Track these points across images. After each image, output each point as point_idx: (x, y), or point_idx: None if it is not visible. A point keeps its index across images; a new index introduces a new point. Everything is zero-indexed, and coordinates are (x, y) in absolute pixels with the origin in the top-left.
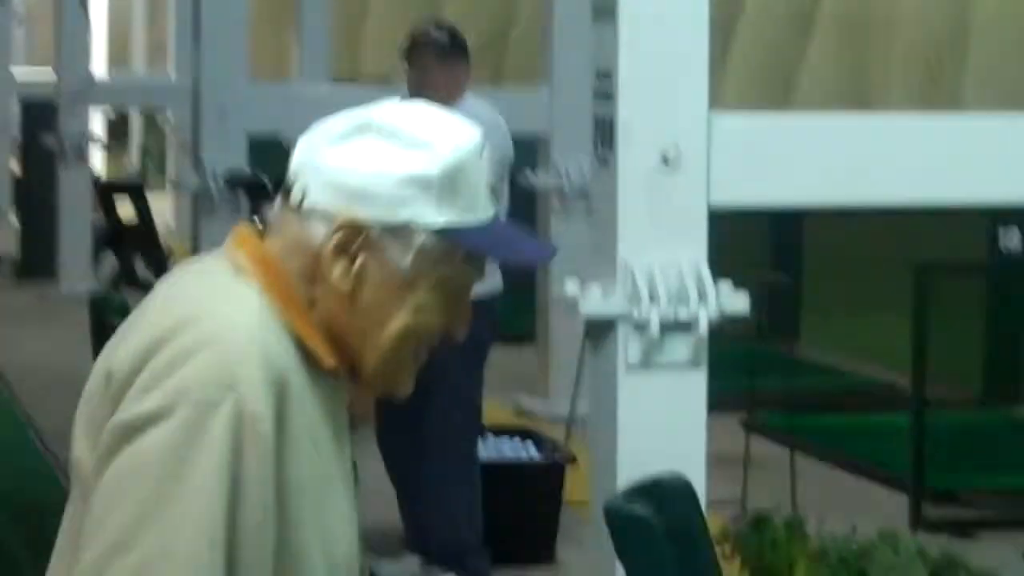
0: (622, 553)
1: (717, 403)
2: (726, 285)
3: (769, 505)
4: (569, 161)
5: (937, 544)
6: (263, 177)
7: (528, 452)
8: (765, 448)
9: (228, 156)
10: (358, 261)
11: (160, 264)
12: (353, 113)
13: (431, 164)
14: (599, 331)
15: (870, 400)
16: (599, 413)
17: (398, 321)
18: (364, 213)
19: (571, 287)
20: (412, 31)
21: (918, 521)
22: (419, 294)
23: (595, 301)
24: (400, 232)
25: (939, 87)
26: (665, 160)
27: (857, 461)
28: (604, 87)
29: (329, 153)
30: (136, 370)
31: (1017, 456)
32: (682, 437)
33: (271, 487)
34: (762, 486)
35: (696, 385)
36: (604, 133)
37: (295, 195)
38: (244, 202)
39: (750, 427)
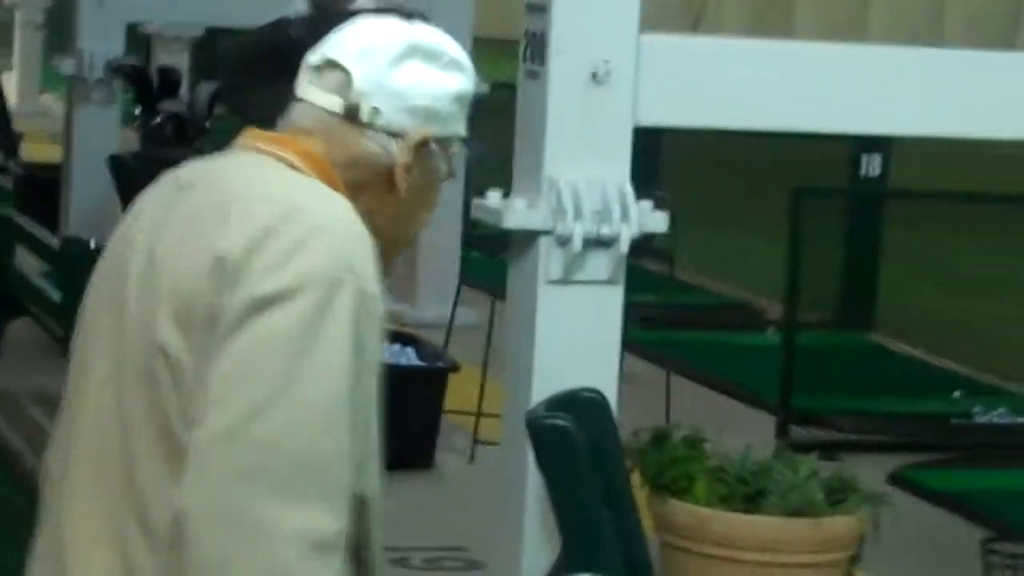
0: (542, 463)
1: None
2: (647, 204)
3: (642, 421)
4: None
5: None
6: (171, 68)
7: (408, 358)
8: (639, 365)
9: (106, 44)
10: (415, 171)
11: (11, 147)
12: (390, 32)
13: (467, 83)
14: (520, 244)
15: (739, 319)
16: (518, 325)
17: (422, 218)
18: (430, 130)
19: (493, 199)
20: None
21: (785, 442)
22: (434, 194)
23: (519, 214)
24: (445, 143)
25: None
26: (595, 77)
27: (727, 380)
28: (536, 1)
29: (395, 77)
30: (249, 256)
31: (875, 379)
32: (597, 353)
33: (378, 363)
34: (636, 402)
35: (613, 302)
36: (535, 47)
37: (364, 114)
38: (119, 91)
39: (624, 344)
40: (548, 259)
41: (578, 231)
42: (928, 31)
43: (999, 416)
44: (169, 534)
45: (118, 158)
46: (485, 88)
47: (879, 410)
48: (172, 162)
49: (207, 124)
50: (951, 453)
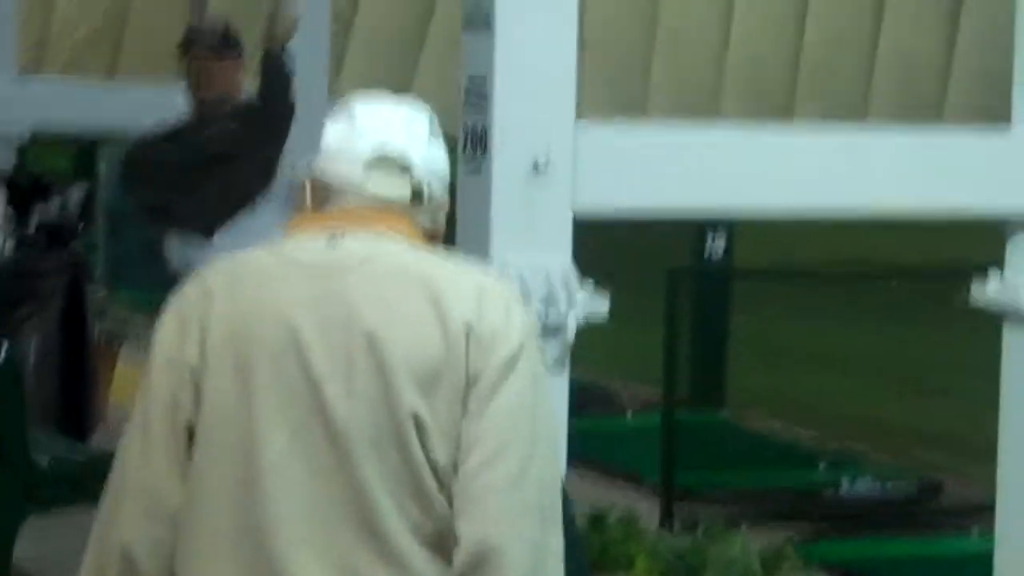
0: None
1: None
2: (588, 288)
3: None
4: None
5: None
6: (41, 174)
7: None
8: None
9: None
10: None
11: None
12: (412, 114)
13: None
14: None
15: (597, 403)
16: None
17: None
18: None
19: None
20: (187, 27)
21: (670, 520)
22: None
23: None
24: None
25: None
26: (536, 167)
27: (603, 463)
28: (474, 95)
29: (433, 156)
30: (482, 322)
31: (737, 455)
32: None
33: None
34: None
35: (560, 389)
36: (475, 139)
37: (425, 197)
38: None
39: None
40: None
41: None
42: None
43: (866, 485)
44: (470, 560)
45: None
46: None
47: (749, 485)
48: (44, 271)
49: (80, 227)
50: (824, 524)
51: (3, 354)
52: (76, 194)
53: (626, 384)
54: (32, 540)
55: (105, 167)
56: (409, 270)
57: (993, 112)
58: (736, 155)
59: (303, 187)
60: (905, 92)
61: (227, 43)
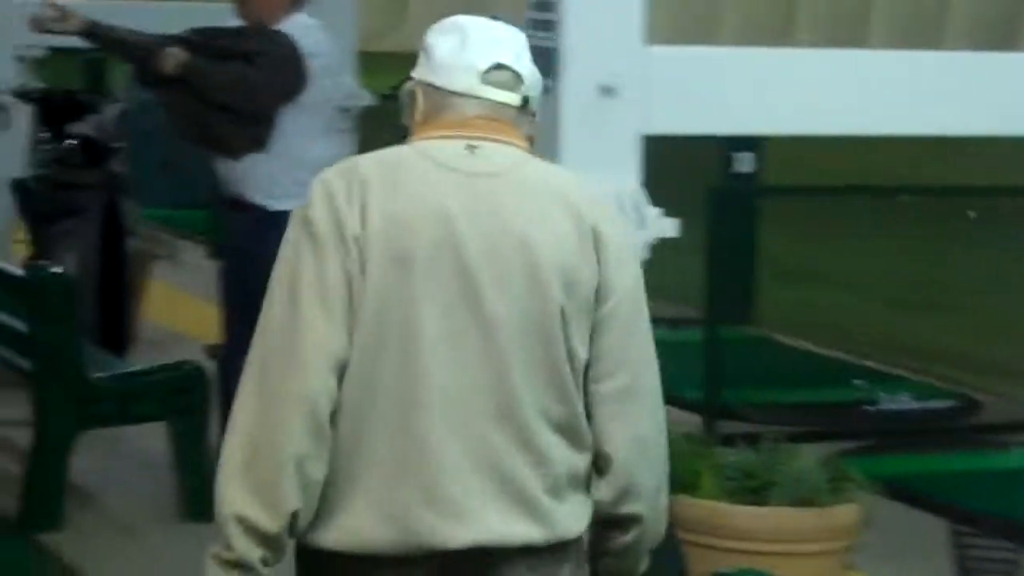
0: None
1: None
2: (657, 210)
3: None
4: None
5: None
6: (77, 91)
7: None
8: None
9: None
10: None
11: None
12: (513, 32)
13: None
14: None
15: None
16: None
17: None
18: None
19: None
20: None
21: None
22: None
23: None
24: None
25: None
26: (605, 89)
27: None
28: (542, 17)
29: (531, 69)
30: (612, 235)
31: (772, 372)
32: None
33: None
34: None
35: None
36: (543, 62)
37: (533, 104)
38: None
39: None
40: None
41: None
42: (927, 35)
43: (904, 401)
44: (626, 451)
45: (22, 182)
46: (373, 99)
47: (788, 401)
48: (84, 186)
49: (117, 144)
50: (869, 441)
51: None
52: (112, 112)
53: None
54: (85, 455)
55: (124, 83)
56: (548, 180)
57: None
58: (802, 77)
59: (414, 95)
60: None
61: None
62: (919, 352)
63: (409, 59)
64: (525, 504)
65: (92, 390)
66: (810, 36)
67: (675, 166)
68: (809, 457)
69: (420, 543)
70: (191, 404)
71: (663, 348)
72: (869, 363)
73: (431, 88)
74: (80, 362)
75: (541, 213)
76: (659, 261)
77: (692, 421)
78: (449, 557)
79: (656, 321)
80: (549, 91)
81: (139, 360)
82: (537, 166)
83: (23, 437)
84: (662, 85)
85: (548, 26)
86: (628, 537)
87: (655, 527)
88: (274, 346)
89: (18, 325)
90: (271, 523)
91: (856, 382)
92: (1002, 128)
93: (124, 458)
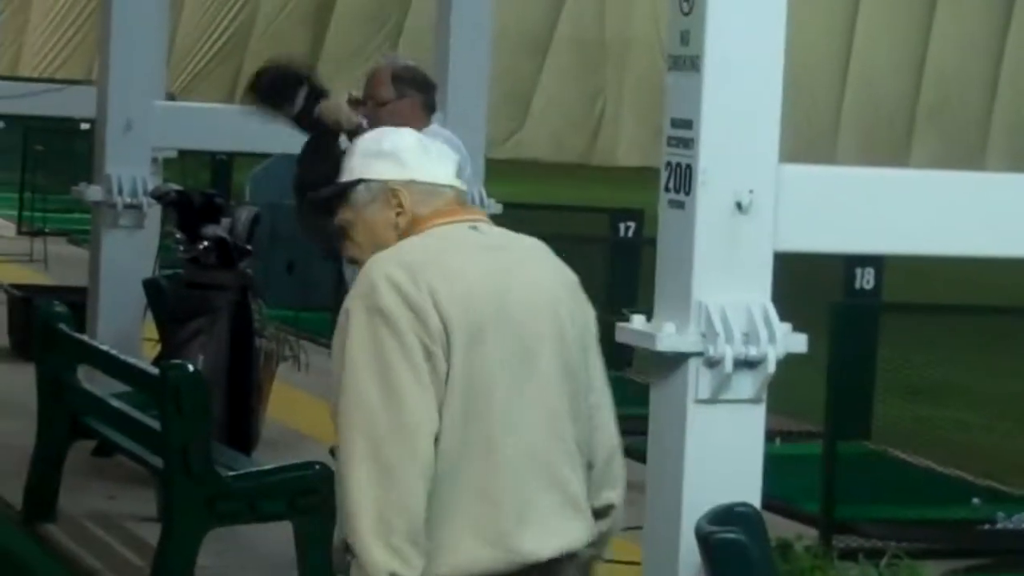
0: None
1: None
2: (787, 326)
3: None
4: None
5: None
6: (214, 193)
7: None
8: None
9: (133, 169)
10: None
11: None
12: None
13: None
14: (664, 365)
15: None
16: (663, 443)
17: None
18: None
19: (639, 322)
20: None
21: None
22: None
23: (670, 337)
24: None
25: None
26: (739, 206)
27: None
28: (678, 134)
29: None
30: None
31: (888, 487)
32: (744, 468)
33: None
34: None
35: (758, 420)
36: (678, 178)
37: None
38: (171, 216)
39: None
40: (697, 379)
41: (728, 353)
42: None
43: (1021, 520)
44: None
45: (154, 281)
46: (499, 208)
47: (906, 517)
48: (217, 286)
49: (249, 247)
50: (987, 559)
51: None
52: (244, 215)
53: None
54: (213, 552)
55: (250, 185)
56: (534, 245)
57: None
58: (927, 197)
59: (396, 193)
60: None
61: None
62: None
63: (527, 165)
64: (580, 510)
65: (222, 488)
66: (928, 158)
67: (798, 281)
68: (929, 573)
69: (524, 558)
70: (318, 504)
71: (782, 461)
72: (988, 482)
73: (414, 184)
74: (210, 460)
75: (551, 273)
76: (779, 375)
77: (808, 534)
78: (541, 566)
79: (775, 434)
80: (684, 207)
81: (263, 459)
82: (519, 235)
83: (152, 533)
84: (794, 203)
85: (686, 143)
86: (605, 526)
87: (622, 516)
88: (379, 423)
89: (150, 422)
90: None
91: (975, 500)
92: None
93: (250, 556)
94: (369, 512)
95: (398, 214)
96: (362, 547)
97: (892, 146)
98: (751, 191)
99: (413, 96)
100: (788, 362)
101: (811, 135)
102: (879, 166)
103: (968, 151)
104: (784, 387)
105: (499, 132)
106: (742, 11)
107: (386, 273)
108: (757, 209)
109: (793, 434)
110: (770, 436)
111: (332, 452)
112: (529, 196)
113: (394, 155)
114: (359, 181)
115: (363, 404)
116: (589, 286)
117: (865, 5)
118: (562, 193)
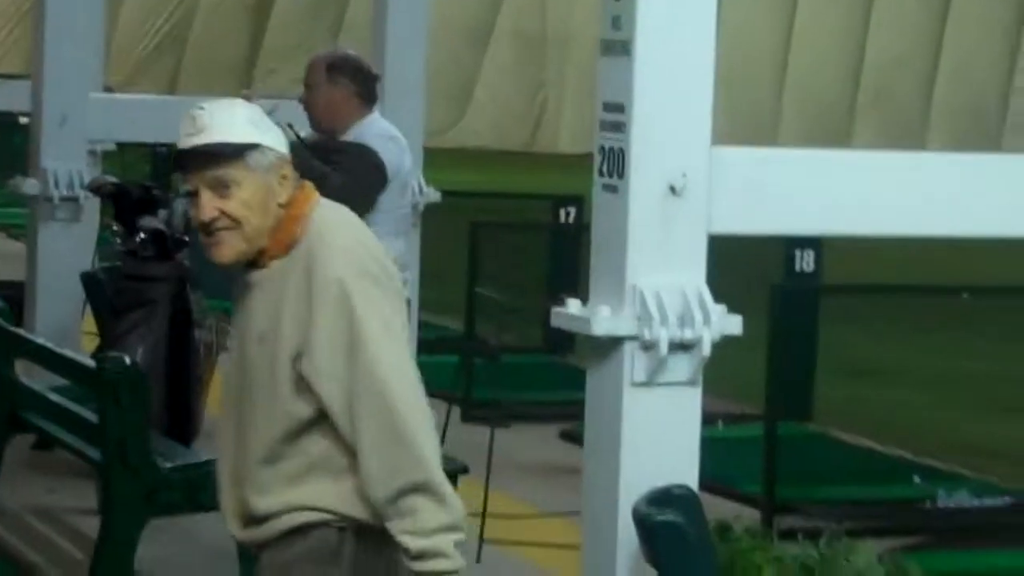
0: (659, 558)
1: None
2: (721, 308)
3: None
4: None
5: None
6: (151, 185)
7: None
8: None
9: (69, 163)
10: None
11: None
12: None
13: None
14: (600, 349)
15: None
16: (600, 427)
17: None
18: None
19: (575, 307)
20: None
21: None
22: None
23: (605, 321)
24: None
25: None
26: (673, 189)
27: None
28: (611, 118)
29: None
30: None
31: (830, 468)
32: (681, 451)
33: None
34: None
35: (693, 402)
36: (612, 162)
37: None
38: (108, 209)
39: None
40: (633, 363)
41: (664, 336)
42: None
43: (963, 499)
44: None
45: (92, 275)
46: (437, 196)
47: (847, 497)
48: (154, 278)
49: (187, 238)
50: (927, 537)
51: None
52: (181, 206)
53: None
54: (151, 543)
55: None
56: None
57: None
58: (862, 179)
59: (285, 165)
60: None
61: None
62: (980, 450)
63: (468, 154)
64: None
65: (160, 479)
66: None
67: (737, 263)
68: (869, 553)
69: None
70: None
71: (724, 443)
72: (928, 461)
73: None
74: (149, 451)
75: None
76: (721, 357)
77: (751, 515)
78: None
79: (717, 416)
80: (618, 190)
81: (203, 451)
82: None
83: (91, 526)
84: (728, 185)
85: (618, 127)
86: None
87: None
88: (411, 376)
89: (88, 415)
90: None
91: (915, 479)
92: None
93: (190, 546)
94: (436, 456)
95: (281, 185)
96: (444, 485)
97: (833, 134)
98: (684, 174)
99: (347, 85)
100: (731, 345)
101: (752, 125)
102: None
103: (909, 137)
104: (727, 369)
105: (441, 122)
106: None
107: (358, 237)
108: (690, 192)
109: (736, 416)
110: (712, 419)
111: None
112: (472, 184)
113: (276, 130)
114: (255, 145)
115: (396, 363)
116: (531, 272)
117: None
118: (505, 180)
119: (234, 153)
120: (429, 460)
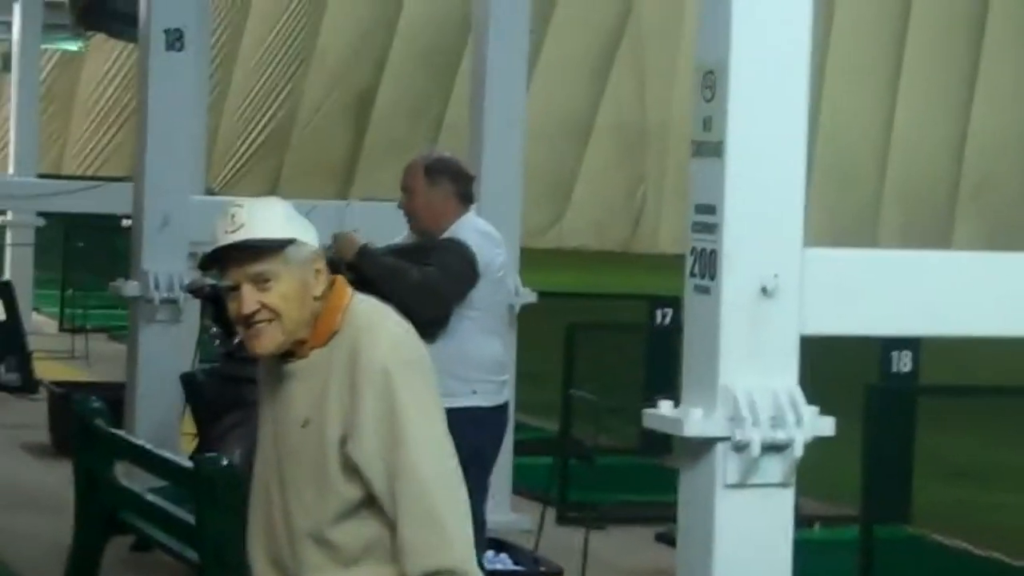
0: None
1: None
2: (814, 409)
3: None
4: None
5: None
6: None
7: (505, 564)
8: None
9: (170, 265)
10: None
11: (26, 367)
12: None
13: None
14: (693, 451)
15: None
16: (693, 528)
17: None
18: None
19: (667, 408)
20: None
21: None
22: None
23: (697, 423)
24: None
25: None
26: (764, 290)
27: None
28: (702, 219)
29: None
30: None
31: (929, 572)
32: (774, 553)
33: None
34: None
35: (786, 504)
36: (703, 263)
37: None
38: (207, 310)
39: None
40: (726, 464)
41: (756, 437)
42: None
43: None
44: None
45: (191, 376)
46: (533, 297)
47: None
48: (253, 380)
49: None
50: None
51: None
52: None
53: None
54: None
55: None
56: None
57: None
58: (956, 280)
59: (319, 258)
60: None
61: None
62: None
63: (567, 254)
64: None
65: None
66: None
67: (835, 363)
68: None
69: None
70: None
71: (820, 546)
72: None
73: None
74: (246, 552)
75: None
76: (816, 459)
77: None
78: None
79: (814, 519)
80: (710, 292)
81: None
82: None
83: None
84: (820, 286)
85: (710, 229)
86: None
87: None
88: (451, 460)
89: (185, 516)
90: None
91: None
92: None
93: None
94: (468, 541)
95: (316, 279)
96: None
97: (935, 225)
98: (776, 275)
99: (446, 186)
100: (826, 446)
101: (852, 220)
102: (921, 246)
103: (1012, 229)
104: (824, 472)
105: (540, 221)
106: (763, 96)
107: (401, 326)
108: (782, 293)
109: (832, 519)
110: (809, 521)
111: None
112: (570, 284)
113: (310, 226)
114: (292, 240)
115: (435, 448)
116: (628, 373)
117: (906, 84)
118: (603, 281)
119: (274, 248)
120: (460, 545)
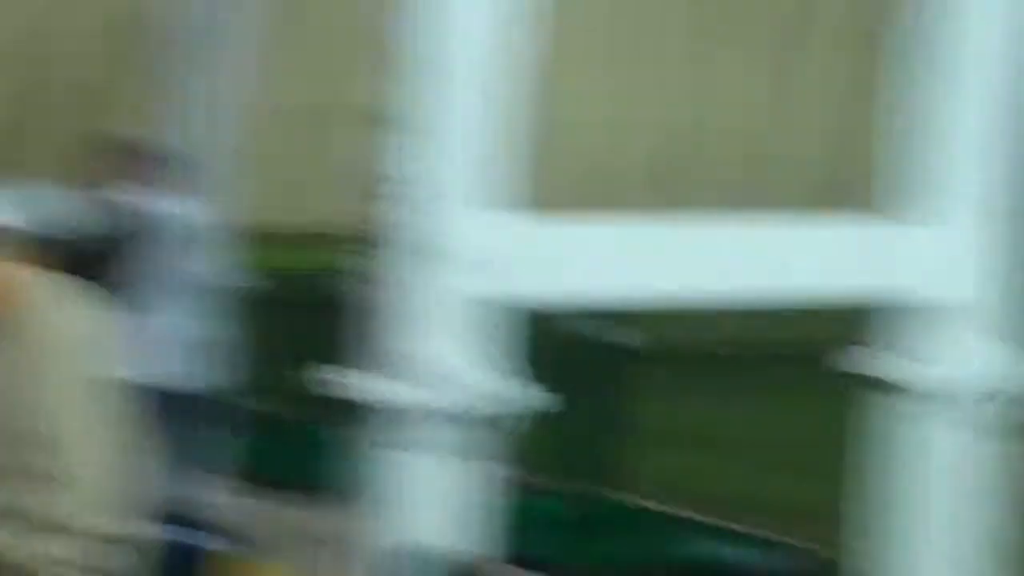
0: None
1: None
2: (518, 380)
3: None
4: None
5: None
6: None
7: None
8: None
9: None
10: None
11: None
12: None
13: None
14: (358, 415)
15: None
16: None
17: None
18: None
19: (331, 373)
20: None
21: None
22: None
23: (383, 390)
24: None
25: None
26: (438, 259)
27: None
28: (381, 191)
29: None
30: None
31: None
32: (476, 522)
33: None
34: None
35: (486, 471)
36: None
37: None
38: None
39: None
40: (417, 432)
41: (425, 401)
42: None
43: (752, 557)
44: None
45: None
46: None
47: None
48: None
49: None
50: None
51: None
52: None
53: None
54: None
55: None
56: None
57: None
58: (637, 246)
59: None
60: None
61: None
62: (765, 508)
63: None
64: None
65: None
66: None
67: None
68: None
69: None
70: None
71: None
72: (714, 521)
73: None
74: None
75: None
76: (532, 429)
77: None
78: None
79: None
80: (402, 264)
81: None
82: None
83: None
84: (517, 258)
85: (383, 199)
86: None
87: None
88: None
89: None
90: None
91: (702, 538)
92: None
93: None
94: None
95: None
96: None
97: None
98: (447, 243)
99: None
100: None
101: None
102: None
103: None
104: (539, 442)
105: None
106: (444, 71)
107: None
108: (481, 264)
109: (544, 490)
110: (520, 490)
111: None
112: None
113: None
114: None
115: None
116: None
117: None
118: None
119: None
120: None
